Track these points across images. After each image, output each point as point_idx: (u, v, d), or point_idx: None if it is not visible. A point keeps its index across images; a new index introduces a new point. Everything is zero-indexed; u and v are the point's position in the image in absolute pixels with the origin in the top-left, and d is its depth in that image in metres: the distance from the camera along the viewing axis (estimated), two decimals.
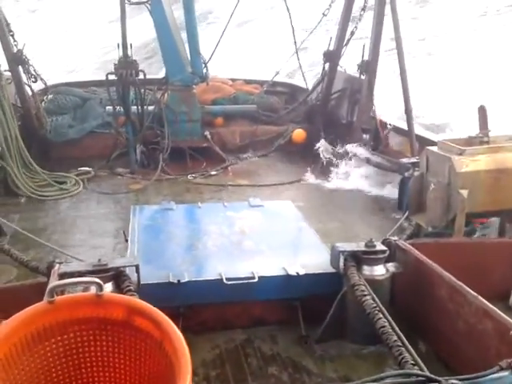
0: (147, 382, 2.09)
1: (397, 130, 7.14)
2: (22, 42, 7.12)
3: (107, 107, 7.76)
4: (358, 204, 6.45)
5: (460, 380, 2.11)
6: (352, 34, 7.77)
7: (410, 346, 2.60)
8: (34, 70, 7.27)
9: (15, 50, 6.94)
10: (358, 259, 3.44)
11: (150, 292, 3.07)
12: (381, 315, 2.88)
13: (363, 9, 7.50)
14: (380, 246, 3.49)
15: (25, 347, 1.96)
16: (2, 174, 6.32)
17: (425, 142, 6.07)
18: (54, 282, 2.83)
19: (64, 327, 2.05)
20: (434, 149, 4.79)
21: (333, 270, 3.55)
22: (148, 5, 7.35)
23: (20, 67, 7.05)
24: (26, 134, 7.02)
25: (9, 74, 6.86)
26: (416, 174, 5.10)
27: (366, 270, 3.42)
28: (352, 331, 3.49)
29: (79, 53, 20.69)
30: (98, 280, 2.07)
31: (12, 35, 6.96)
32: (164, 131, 7.59)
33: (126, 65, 6.82)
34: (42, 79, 7.63)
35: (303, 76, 8.87)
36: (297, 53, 8.59)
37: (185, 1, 7.58)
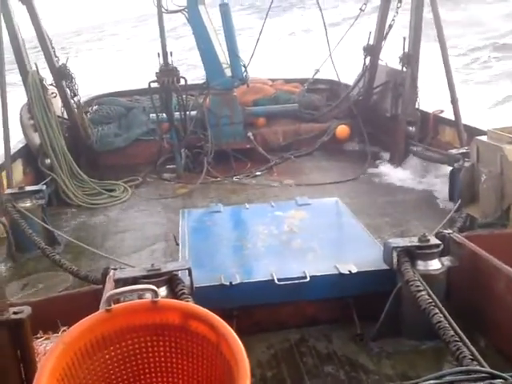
0: None
1: (444, 120, 7.00)
2: (66, 58, 7.28)
3: (151, 115, 7.86)
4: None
5: None
6: (390, 27, 7.65)
7: (467, 341, 2.53)
8: (75, 85, 7.23)
9: (58, 64, 7.07)
10: (412, 254, 3.36)
11: (203, 295, 3.08)
12: (437, 310, 2.82)
13: (400, 1, 7.40)
14: (434, 240, 3.40)
15: (85, 356, 1.99)
16: (54, 186, 6.48)
17: (473, 131, 5.93)
18: (109, 288, 2.90)
19: (122, 334, 2.07)
20: (484, 138, 4.68)
21: (386, 267, 3.47)
22: (185, 12, 7.43)
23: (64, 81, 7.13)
24: (74, 145, 7.17)
25: (53, 87, 6.99)
26: (466, 164, 4.99)
27: (421, 265, 3.34)
28: (408, 327, 3.42)
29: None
30: (153, 287, 2.08)
31: (54, 51, 7.10)
32: (207, 135, 7.66)
33: (167, 72, 6.90)
34: (78, 95, 7.32)
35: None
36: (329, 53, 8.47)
37: (222, 6, 7.63)
